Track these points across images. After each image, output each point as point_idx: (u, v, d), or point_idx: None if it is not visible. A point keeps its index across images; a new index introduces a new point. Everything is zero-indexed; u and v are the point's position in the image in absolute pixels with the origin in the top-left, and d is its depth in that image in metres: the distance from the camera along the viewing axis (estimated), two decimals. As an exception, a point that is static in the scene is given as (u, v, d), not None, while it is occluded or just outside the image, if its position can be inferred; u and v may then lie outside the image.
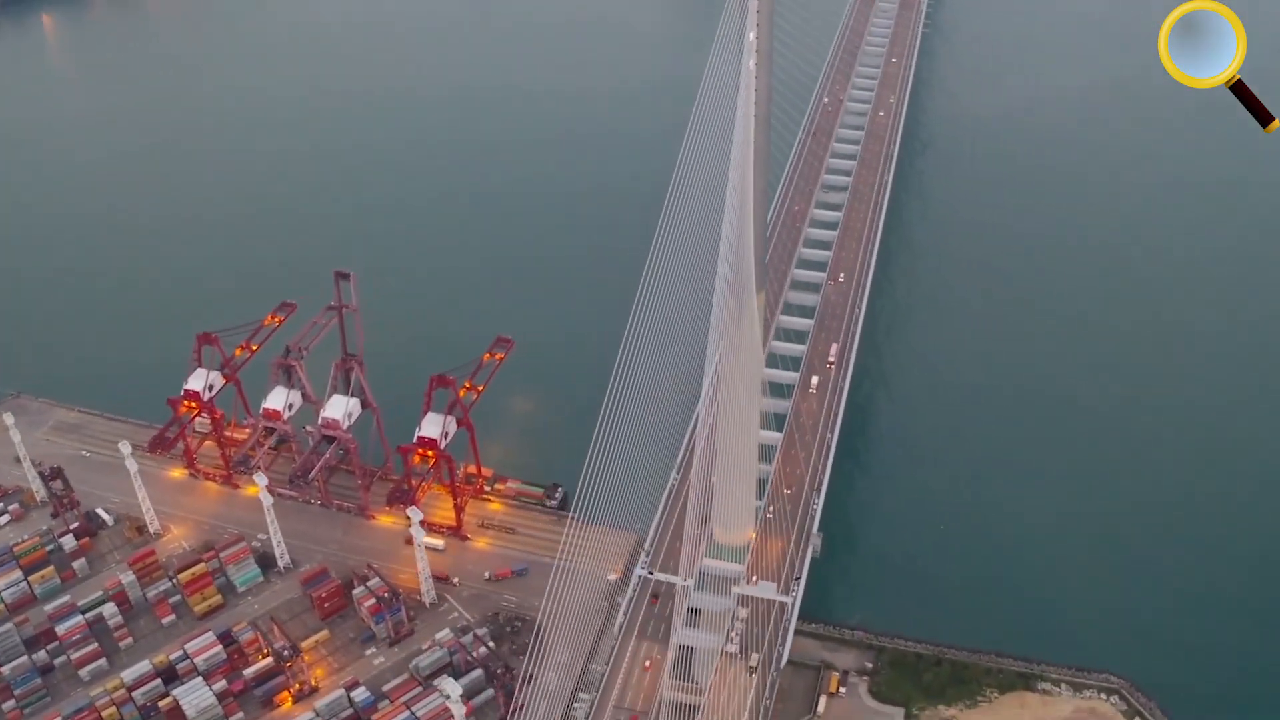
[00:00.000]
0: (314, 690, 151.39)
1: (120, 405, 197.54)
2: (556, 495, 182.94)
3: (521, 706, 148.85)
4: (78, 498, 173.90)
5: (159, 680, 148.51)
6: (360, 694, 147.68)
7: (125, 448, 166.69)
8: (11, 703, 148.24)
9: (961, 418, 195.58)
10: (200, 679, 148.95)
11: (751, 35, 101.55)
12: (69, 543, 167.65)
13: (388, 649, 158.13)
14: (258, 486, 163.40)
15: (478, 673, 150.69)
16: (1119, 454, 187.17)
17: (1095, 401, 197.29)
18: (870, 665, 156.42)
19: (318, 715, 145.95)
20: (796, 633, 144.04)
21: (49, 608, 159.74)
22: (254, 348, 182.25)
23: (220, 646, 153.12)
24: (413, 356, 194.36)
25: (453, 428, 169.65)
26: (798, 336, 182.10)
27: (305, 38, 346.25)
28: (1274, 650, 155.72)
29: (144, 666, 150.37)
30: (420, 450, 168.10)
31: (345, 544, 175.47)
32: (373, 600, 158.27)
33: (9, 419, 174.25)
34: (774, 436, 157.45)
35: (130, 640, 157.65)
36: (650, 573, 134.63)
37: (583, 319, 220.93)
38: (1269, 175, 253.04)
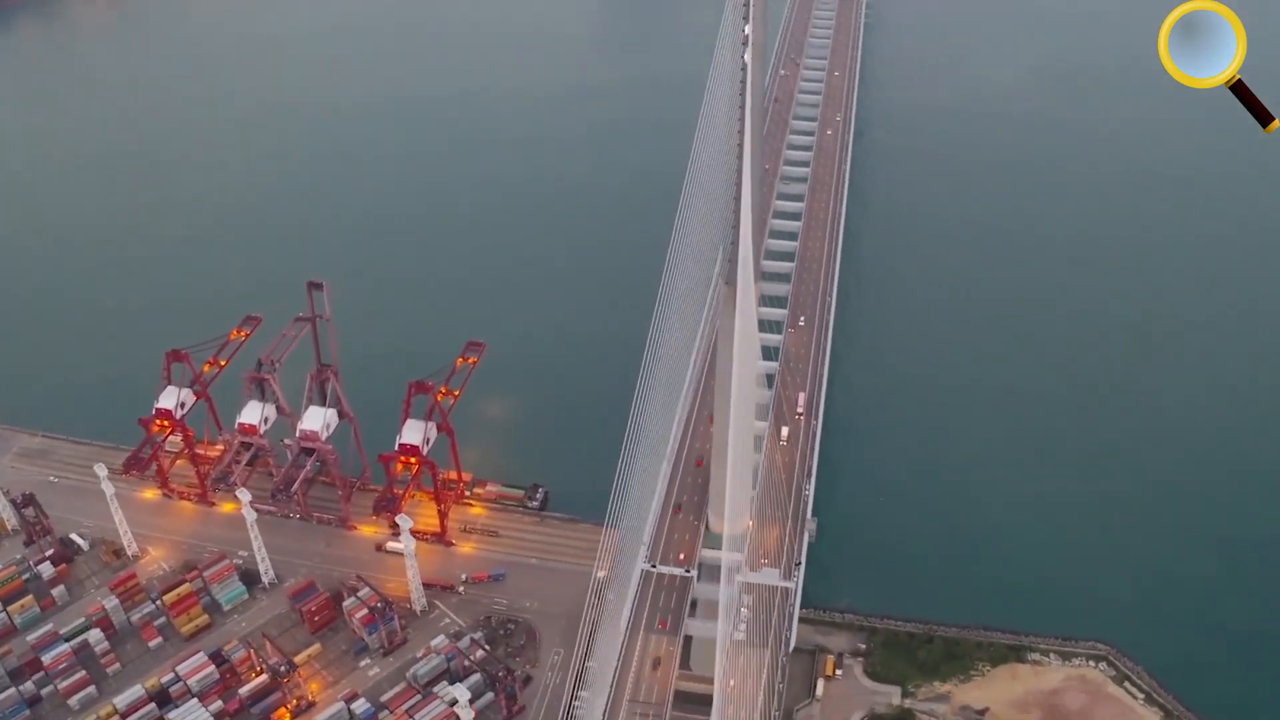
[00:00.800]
0: (311, 705, 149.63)
1: (84, 428, 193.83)
2: (537, 496, 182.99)
3: (523, 709, 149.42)
4: (51, 524, 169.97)
5: (153, 704, 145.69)
6: (360, 706, 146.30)
7: (101, 470, 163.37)
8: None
9: (938, 403, 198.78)
10: (195, 700, 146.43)
11: (747, 29, 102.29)
12: (46, 570, 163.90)
13: (382, 659, 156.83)
14: (235, 503, 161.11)
15: (476, 677, 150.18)
16: (1094, 433, 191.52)
17: (1070, 383, 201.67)
18: (863, 647, 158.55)
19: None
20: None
21: (31, 637, 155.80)
22: (222, 363, 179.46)
23: (213, 666, 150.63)
24: (383, 364, 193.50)
25: (433, 433, 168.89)
26: (774, 327, 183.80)
27: (250, 49, 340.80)
28: (1249, 610, 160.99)
29: (136, 691, 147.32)
30: (403, 458, 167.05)
31: (329, 556, 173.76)
32: (365, 610, 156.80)
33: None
34: (759, 425, 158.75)
35: (118, 666, 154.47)
36: (653, 565, 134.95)
37: (549, 320, 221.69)
38: (1221, 154, 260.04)
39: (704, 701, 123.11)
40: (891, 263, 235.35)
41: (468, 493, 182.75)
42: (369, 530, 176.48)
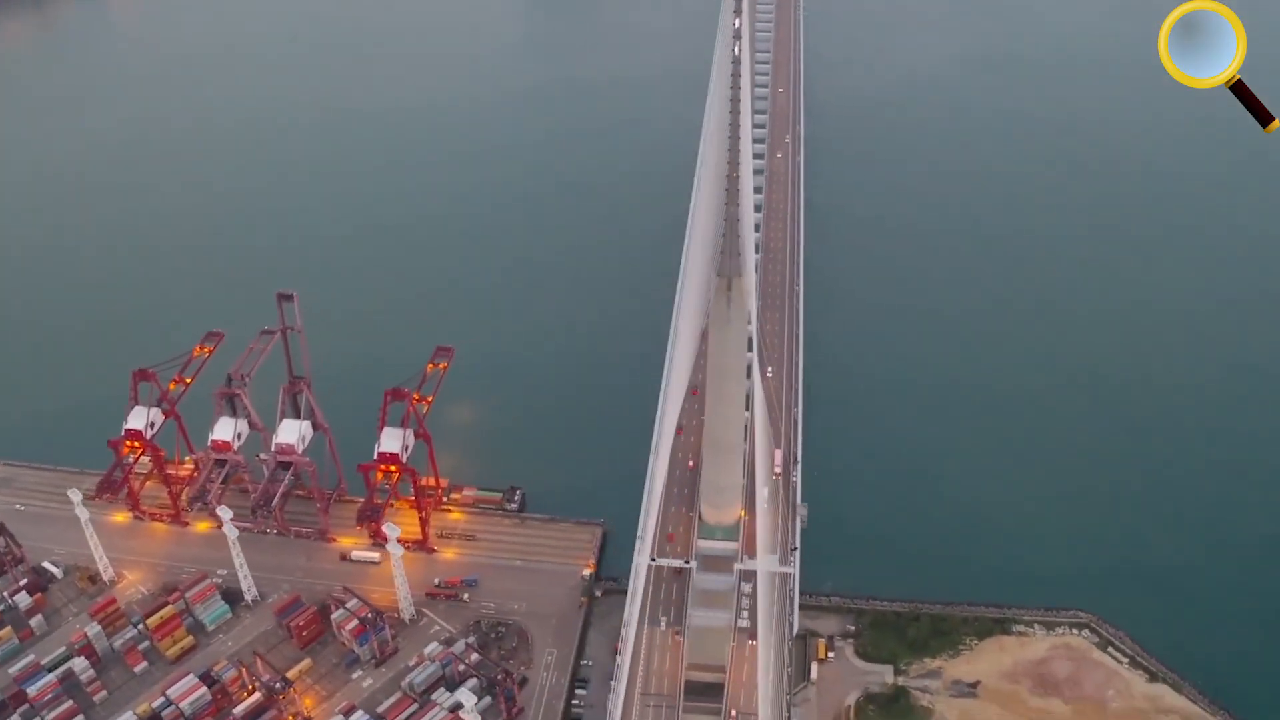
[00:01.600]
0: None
1: (46, 453, 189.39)
2: (515, 498, 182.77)
3: (522, 710, 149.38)
4: (24, 553, 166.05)
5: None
6: (359, 719, 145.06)
7: (75, 495, 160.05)
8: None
9: (916, 387, 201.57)
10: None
11: (737, 22, 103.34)
12: (23, 600, 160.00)
13: (375, 670, 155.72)
14: (210, 522, 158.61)
15: (472, 682, 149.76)
16: (1066, 416, 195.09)
17: (1042, 368, 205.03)
18: (852, 628, 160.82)
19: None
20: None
21: (13, 670, 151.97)
22: (188, 380, 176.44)
23: (204, 688, 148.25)
24: (351, 374, 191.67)
25: (411, 440, 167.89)
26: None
27: (192, 63, 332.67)
28: (1221, 573, 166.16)
29: (127, 719, 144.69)
30: (383, 466, 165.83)
31: (310, 570, 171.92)
32: (355, 622, 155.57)
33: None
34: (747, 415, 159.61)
35: (104, 693, 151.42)
36: (653, 559, 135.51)
37: (516, 324, 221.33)
38: (1166, 140, 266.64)
39: (712, 691, 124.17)
40: (861, 253, 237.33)
41: (445, 498, 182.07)
42: (349, 541, 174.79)
